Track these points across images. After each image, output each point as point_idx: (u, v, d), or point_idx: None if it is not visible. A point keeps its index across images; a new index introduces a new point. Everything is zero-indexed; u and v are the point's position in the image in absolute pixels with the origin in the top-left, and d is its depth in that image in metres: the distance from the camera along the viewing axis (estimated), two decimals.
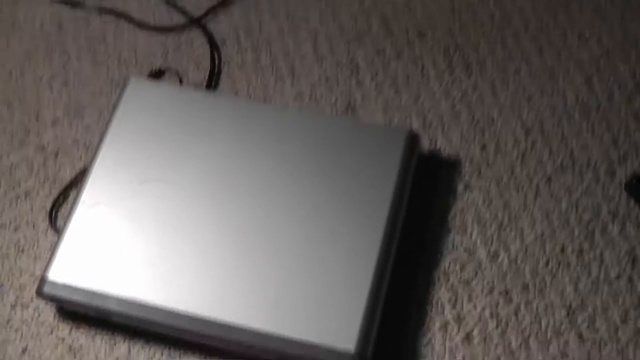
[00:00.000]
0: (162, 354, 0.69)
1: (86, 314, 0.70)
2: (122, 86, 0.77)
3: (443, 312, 0.70)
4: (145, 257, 0.68)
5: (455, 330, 0.69)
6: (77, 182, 0.77)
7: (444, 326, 0.69)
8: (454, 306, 0.70)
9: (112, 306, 0.66)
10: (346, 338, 0.62)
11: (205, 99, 0.77)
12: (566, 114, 0.79)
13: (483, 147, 0.78)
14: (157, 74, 0.83)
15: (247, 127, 0.74)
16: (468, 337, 0.68)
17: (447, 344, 0.68)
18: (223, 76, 0.84)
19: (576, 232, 0.73)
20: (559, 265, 0.71)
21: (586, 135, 0.78)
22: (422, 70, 0.83)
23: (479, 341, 0.68)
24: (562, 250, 0.72)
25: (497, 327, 0.68)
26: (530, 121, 0.79)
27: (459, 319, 0.69)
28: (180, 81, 0.83)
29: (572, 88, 0.81)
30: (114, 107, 0.76)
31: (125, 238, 0.69)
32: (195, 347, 0.68)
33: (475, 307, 0.70)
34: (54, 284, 0.68)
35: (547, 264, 0.71)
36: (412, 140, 0.73)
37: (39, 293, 0.68)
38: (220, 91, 0.83)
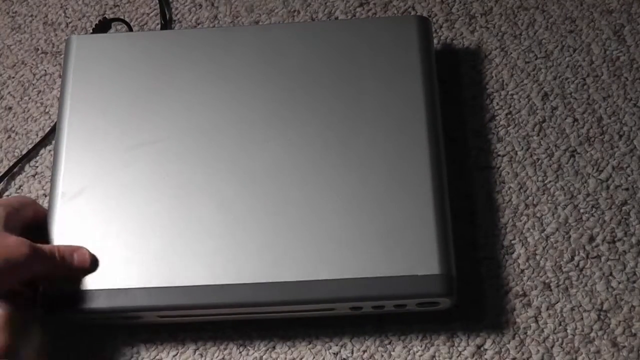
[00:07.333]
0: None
1: (113, 323, 0.66)
2: (65, 50, 0.73)
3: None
4: (167, 234, 0.64)
5: (464, 343, 0.66)
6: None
7: (450, 338, 0.66)
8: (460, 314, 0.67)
9: (159, 300, 0.62)
10: (427, 261, 0.62)
11: (173, 37, 0.73)
12: (592, 73, 0.77)
13: (492, 118, 0.75)
14: (102, 27, 0.80)
15: (234, 56, 0.70)
16: (479, 351, 0.65)
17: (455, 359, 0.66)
18: None
19: (607, 218, 0.70)
20: (587, 258, 0.69)
21: (617, 99, 0.76)
22: None
23: (492, 355, 0.65)
24: (591, 240, 0.69)
25: (513, 336, 0.66)
26: (549, 83, 0.77)
27: (467, 330, 0.66)
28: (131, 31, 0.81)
29: (599, 41, 0.79)
30: (64, 76, 0.72)
31: (131, 218, 0.65)
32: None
33: (486, 313, 0.67)
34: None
35: (572, 257, 0.69)
36: (425, 25, 0.72)
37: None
38: None
